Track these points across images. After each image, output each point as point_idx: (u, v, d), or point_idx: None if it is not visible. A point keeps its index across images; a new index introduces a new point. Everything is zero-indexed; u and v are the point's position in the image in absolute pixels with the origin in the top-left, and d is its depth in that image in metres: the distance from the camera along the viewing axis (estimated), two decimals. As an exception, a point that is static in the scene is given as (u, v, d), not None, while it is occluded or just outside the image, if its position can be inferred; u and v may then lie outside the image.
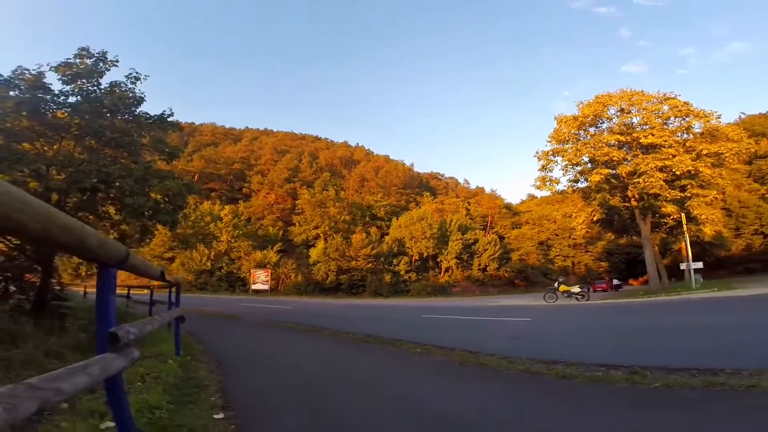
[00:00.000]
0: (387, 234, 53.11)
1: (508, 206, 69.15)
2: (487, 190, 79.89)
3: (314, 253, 46.53)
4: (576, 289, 22.03)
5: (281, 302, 26.12)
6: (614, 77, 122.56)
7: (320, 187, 62.07)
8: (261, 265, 44.43)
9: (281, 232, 55.80)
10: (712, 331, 7.55)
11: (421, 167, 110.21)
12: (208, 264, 44.39)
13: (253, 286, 41.76)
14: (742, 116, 45.54)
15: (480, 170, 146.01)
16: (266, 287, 41.79)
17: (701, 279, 24.68)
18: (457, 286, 46.02)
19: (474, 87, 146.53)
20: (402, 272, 46.00)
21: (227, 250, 46.72)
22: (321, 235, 50.26)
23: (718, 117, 26.09)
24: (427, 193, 72.51)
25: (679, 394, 3.53)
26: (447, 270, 48.84)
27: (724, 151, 24.81)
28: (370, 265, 44.50)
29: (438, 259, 49.52)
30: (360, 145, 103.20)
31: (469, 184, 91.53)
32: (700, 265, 24.44)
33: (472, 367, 5.25)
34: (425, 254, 48.58)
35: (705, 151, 24.81)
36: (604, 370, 4.51)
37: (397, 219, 54.17)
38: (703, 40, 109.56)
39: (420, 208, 59.80)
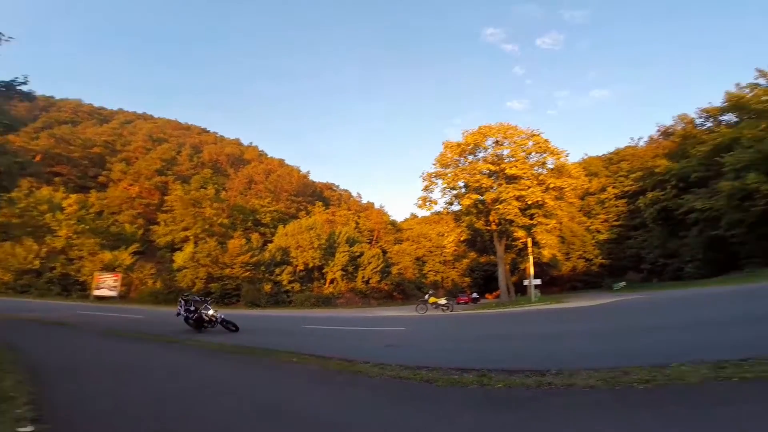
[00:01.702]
0: (271, 242, 50.62)
1: (393, 223, 72.78)
2: (377, 205, 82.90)
3: (180, 258, 41.31)
4: (443, 301, 24.14)
5: (133, 311, 22.73)
6: (500, 111, 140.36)
7: (198, 184, 56.12)
8: (109, 268, 37.63)
9: (141, 231, 48.43)
10: (543, 337, 9.02)
11: (318, 176, 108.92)
12: (36, 263, 35.83)
13: (96, 292, 34.92)
14: (585, 157, 56.54)
15: (373, 185, 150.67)
16: (113, 293, 35.41)
17: (539, 294, 29.51)
18: (342, 297, 46.11)
19: (376, 103, 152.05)
20: (284, 282, 44.14)
21: (65, 248, 38.39)
22: (191, 237, 45.05)
23: (567, 155, 31.98)
24: (320, 203, 71.81)
25: (517, 393, 4.06)
26: (332, 281, 48.65)
27: (565, 186, 30.27)
28: (247, 273, 41.59)
29: (324, 270, 49.04)
30: (253, 144, 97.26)
31: (361, 198, 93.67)
32: (539, 282, 29.23)
33: (348, 374, 5.42)
34: (311, 265, 47.64)
35: (552, 185, 29.94)
36: (459, 373, 5.01)
37: (284, 227, 52.14)
38: (578, 84, 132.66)
39: (310, 217, 58.72)
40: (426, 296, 24.98)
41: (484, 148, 32.66)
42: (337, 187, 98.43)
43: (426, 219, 60.49)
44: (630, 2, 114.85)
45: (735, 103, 36.53)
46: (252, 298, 39.29)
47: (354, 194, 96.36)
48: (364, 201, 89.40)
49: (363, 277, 49.01)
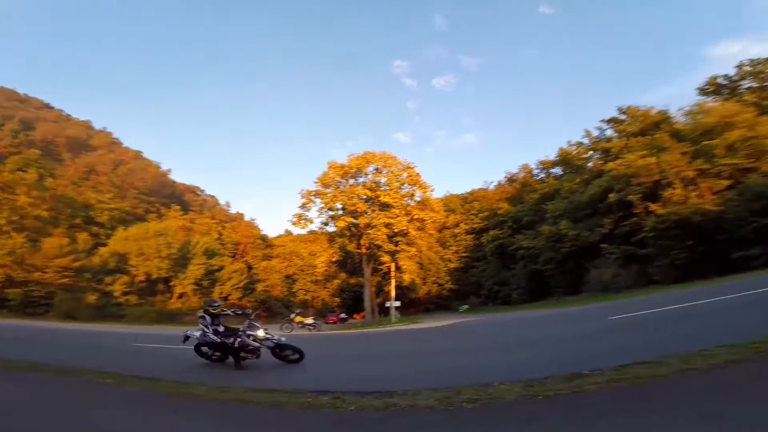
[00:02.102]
0: (104, 245, 42.28)
1: (264, 238, 69.03)
2: (248, 217, 77.58)
3: (-41, 254, 31.22)
4: (309, 320, 23.63)
5: None
6: (387, 141, 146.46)
7: (16, 165, 43.92)
8: None
9: None
10: (398, 356, 9.41)
11: (181, 176, 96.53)
12: None
13: None
14: (447, 194, 63.50)
15: (247, 196, 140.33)
16: None
17: (399, 315, 31.43)
18: (193, 314, 40.81)
19: (265, 112, 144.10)
20: (117, 293, 37.03)
21: None
22: (-8, 230, 34.68)
23: (432, 190, 35.37)
24: (177, 207, 63.47)
25: (367, 415, 4.00)
26: (181, 296, 42.84)
27: (427, 219, 33.45)
28: (65, 280, 33.63)
29: (171, 283, 42.93)
30: (107, 130, 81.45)
31: (230, 207, 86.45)
32: (399, 303, 31.22)
33: (180, 398, 4.79)
34: (155, 275, 41.18)
35: (416, 216, 32.74)
36: (314, 395, 4.77)
37: (125, 229, 44.28)
38: (454, 126, 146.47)
39: (162, 221, 51.26)
40: (292, 315, 24.12)
41: (365, 173, 34.08)
42: (202, 191, 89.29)
43: (300, 237, 59.24)
44: (514, 57, 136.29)
45: (563, 158, 46.26)
46: (68, 309, 31.75)
47: (222, 202, 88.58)
48: (233, 211, 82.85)
49: (221, 293, 44.61)
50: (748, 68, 35.19)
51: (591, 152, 42.75)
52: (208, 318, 8.04)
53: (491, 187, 61.44)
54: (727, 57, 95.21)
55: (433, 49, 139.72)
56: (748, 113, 28.18)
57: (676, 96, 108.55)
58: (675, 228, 25.62)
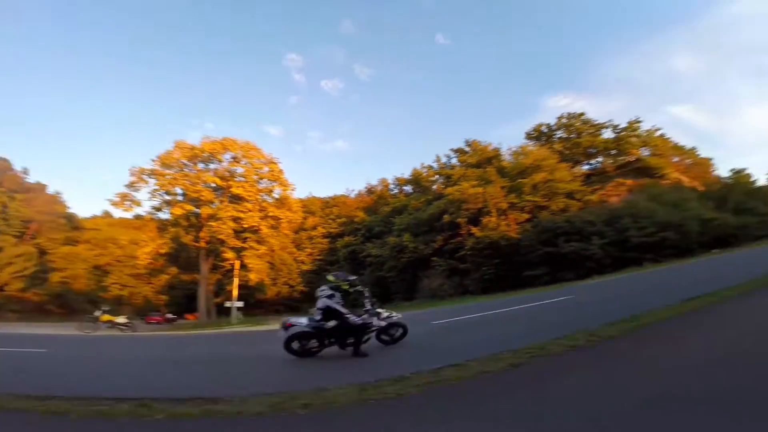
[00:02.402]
0: None
1: (70, 217, 55.10)
2: (51, 189, 60.57)
3: None
4: (121, 319, 20.00)
5: None
6: (256, 131, 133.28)
7: None
8: None
9: None
10: (230, 360, 8.66)
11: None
12: None
13: None
14: (309, 195, 62.49)
15: (58, 166, 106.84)
16: None
17: (241, 315, 29.29)
18: None
19: (107, 77, 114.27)
20: None
21: None
22: None
23: (293, 189, 34.29)
24: None
25: (181, 425, 3.55)
26: None
27: (283, 218, 32.31)
28: None
29: None
30: None
31: (27, 175, 66.10)
32: (241, 304, 29.11)
33: None
34: None
35: (271, 213, 31.29)
36: (111, 403, 4.12)
37: None
38: (329, 130, 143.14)
39: None
40: (96, 313, 19.83)
41: (220, 160, 30.93)
42: (-17, 148, 66.15)
43: (122, 221, 49.59)
44: (402, 76, 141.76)
45: (415, 178, 51.25)
46: None
47: (18, 168, 67.19)
48: (32, 180, 63.81)
49: (-8, 283, 33.81)
50: (564, 120, 45.66)
51: (437, 176, 48.71)
52: (338, 295, 6.84)
53: (352, 195, 63.55)
54: (557, 108, 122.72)
55: (331, 50, 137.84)
56: (552, 159, 36.64)
57: (515, 136, 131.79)
58: (487, 249, 31.31)
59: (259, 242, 31.11)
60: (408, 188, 53.85)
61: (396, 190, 55.98)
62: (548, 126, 46.61)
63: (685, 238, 27.57)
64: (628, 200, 32.11)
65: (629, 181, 37.29)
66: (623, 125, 42.82)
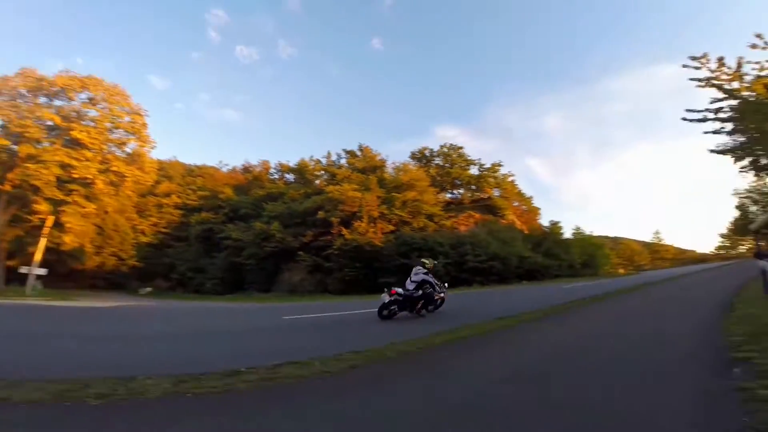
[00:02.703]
0: None
1: None
2: None
3: None
4: None
5: None
6: (139, 80, 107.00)
7: None
8: None
9: None
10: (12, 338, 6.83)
11: None
12: None
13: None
14: (173, 158, 53.97)
15: None
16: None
17: (40, 286, 23.48)
18: None
19: None
20: None
21: None
22: None
23: (153, 147, 29.28)
24: None
25: None
26: None
27: (129, 176, 27.26)
28: None
29: None
30: None
31: None
32: (44, 271, 23.40)
33: None
34: None
35: (115, 168, 26.14)
36: None
37: None
38: (222, 98, 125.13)
39: None
40: None
41: (71, 98, 24.87)
42: None
43: None
44: (321, 61, 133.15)
45: (300, 168, 49.60)
46: None
47: None
48: None
49: None
50: (444, 150, 50.73)
51: (323, 172, 48.43)
52: (426, 275, 9.86)
53: (224, 169, 58.05)
54: (444, 137, 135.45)
55: (263, 19, 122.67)
56: (425, 182, 40.18)
57: (402, 152, 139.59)
58: (353, 251, 32.33)
59: (88, 198, 25.57)
60: (290, 177, 52.02)
61: (276, 176, 53.40)
62: (431, 151, 51.28)
63: (507, 268, 33.46)
64: (473, 231, 37.37)
65: (477, 215, 43.45)
66: (487, 166, 50.02)
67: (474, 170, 50.33)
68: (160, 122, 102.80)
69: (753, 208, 29.79)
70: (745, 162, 14.02)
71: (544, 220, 50.92)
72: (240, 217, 41.77)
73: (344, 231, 33.08)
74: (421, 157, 50.99)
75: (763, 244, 10.61)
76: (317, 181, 46.76)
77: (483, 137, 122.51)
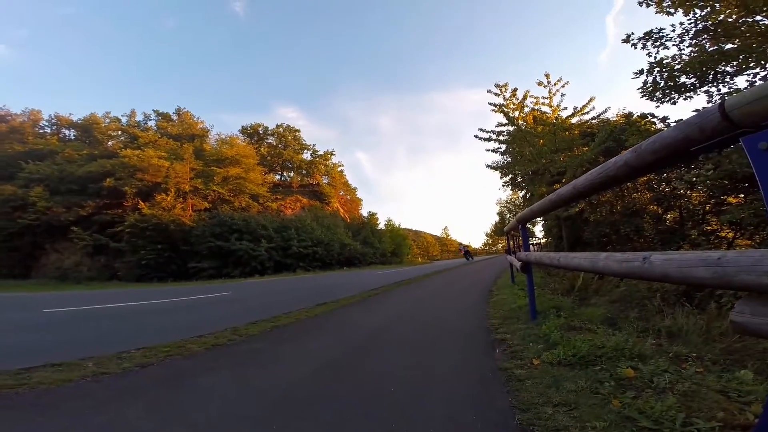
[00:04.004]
0: None
1: None
2: None
3: None
4: None
5: None
6: None
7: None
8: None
9: None
10: None
11: None
12: None
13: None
14: None
15: None
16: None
17: None
18: None
19: None
20: None
21: None
22: None
23: None
24: None
25: None
26: None
27: None
28: None
29: None
30: None
31: None
32: None
33: None
34: None
35: None
36: None
37: None
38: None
39: None
40: None
41: None
42: None
43: None
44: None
45: (87, 124, 38.81)
46: None
47: None
48: None
49: None
50: (280, 130, 48.78)
51: (120, 132, 39.29)
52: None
53: None
54: (283, 117, 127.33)
55: None
56: (253, 160, 37.50)
57: (232, 124, 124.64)
58: (152, 230, 27.52)
59: None
60: (71, 133, 40.26)
61: (49, 130, 40.45)
62: (265, 129, 48.52)
63: (329, 254, 34.89)
64: (299, 216, 37.44)
65: (305, 200, 43.73)
66: (321, 153, 50.62)
67: (307, 155, 50.31)
68: None
69: (508, 216, 40.12)
70: (507, 179, 18.59)
71: (364, 211, 55.32)
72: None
73: (142, 204, 27.81)
74: (253, 134, 47.85)
75: (512, 243, 14.14)
76: (110, 143, 37.93)
77: (322, 124, 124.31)
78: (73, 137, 39.77)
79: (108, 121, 39.87)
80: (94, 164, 30.17)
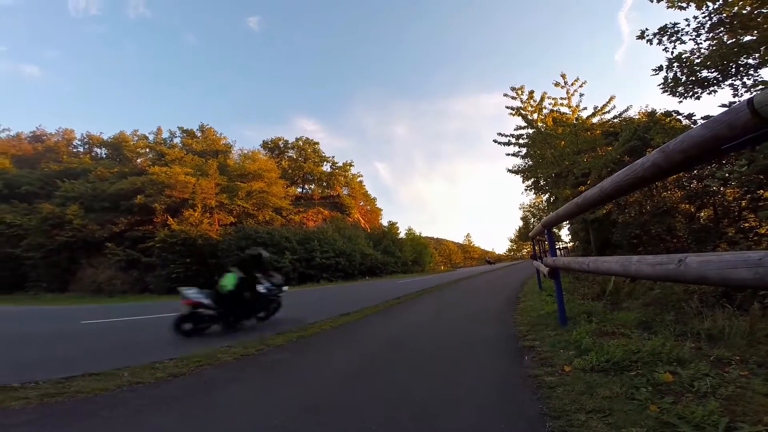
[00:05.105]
0: None
1: None
2: None
3: None
4: None
5: None
6: None
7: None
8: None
9: None
10: None
11: None
12: None
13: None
14: None
15: None
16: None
17: None
18: None
19: None
20: None
21: None
22: None
23: None
24: None
25: None
26: None
27: None
28: None
29: None
30: None
31: None
32: None
33: None
34: None
35: None
36: None
37: None
38: (28, 52, 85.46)
39: None
40: None
41: None
42: None
43: None
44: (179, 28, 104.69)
45: (117, 142, 40.79)
46: None
47: None
48: None
49: None
50: (300, 143, 49.73)
51: (148, 149, 41.03)
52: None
53: (5, 135, 43.31)
54: (302, 129, 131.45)
55: None
56: (275, 173, 38.37)
57: (253, 139, 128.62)
58: (180, 245, 28.37)
59: None
60: (102, 152, 42.40)
61: (82, 149, 42.73)
62: (286, 142, 49.59)
63: (351, 265, 35.02)
64: (321, 228, 37.84)
65: (326, 212, 44.21)
66: (340, 164, 51.29)
67: (327, 167, 51.00)
68: None
69: (532, 220, 39.24)
70: (530, 182, 18.24)
71: (384, 220, 55.39)
72: (19, 196, 31.89)
73: (171, 221, 28.77)
74: (274, 148, 48.91)
75: (537, 248, 13.83)
76: (139, 160, 39.60)
77: (340, 135, 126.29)
78: (104, 155, 41.89)
79: (136, 139, 41.77)
80: (124, 182, 31.58)
